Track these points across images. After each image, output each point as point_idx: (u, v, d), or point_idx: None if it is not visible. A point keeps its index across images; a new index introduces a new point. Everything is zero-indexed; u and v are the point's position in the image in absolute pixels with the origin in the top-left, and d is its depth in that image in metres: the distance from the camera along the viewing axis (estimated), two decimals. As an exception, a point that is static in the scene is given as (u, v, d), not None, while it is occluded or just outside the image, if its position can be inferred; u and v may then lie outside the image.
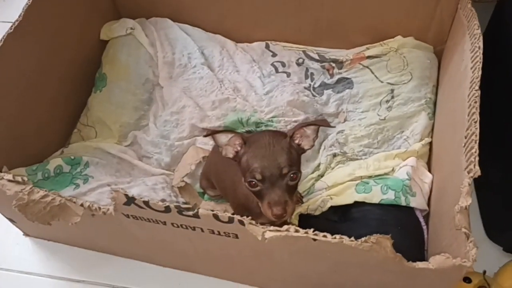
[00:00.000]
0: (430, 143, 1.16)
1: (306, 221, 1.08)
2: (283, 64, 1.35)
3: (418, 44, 1.27)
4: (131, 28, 1.37)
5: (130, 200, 0.76)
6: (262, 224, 0.80)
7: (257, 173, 0.81)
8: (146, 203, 0.75)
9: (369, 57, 1.29)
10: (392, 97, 1.21)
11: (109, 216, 0.80)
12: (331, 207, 1.07)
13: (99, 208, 0.80)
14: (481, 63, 0.90)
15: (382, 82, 1.24)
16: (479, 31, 0.97)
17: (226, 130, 0.85)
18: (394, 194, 1.02)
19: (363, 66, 1.29)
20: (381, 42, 1.30)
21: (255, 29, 1.40)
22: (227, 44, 1.41)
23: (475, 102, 0.84)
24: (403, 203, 1.02)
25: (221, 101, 1.26)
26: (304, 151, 0.88)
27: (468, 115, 0.84)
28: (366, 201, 1.04)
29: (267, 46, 1.40)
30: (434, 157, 1.12)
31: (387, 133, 1.18)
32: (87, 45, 1.36)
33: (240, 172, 0.86)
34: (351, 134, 1.19)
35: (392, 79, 1.24)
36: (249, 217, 0.74)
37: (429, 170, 1.11)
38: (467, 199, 0.73)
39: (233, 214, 0.74)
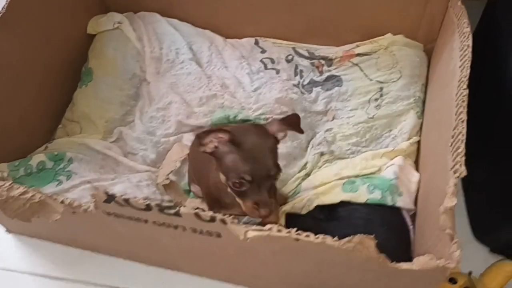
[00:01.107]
0: (419, 142, 1.15)
1: (292, 219, 1.07)
2: (272, 61, 1.34)
3: (408, 42, 1.26)
4: (119, 22, 1.36)
5: (111, 198, 0.75)
6: (233, 215, 0.81)
7: (247, 175, 0.81)
8: (127, 200, 0.74)
9: (358, 54, 1.28)
10: (381, 95, 1.21)
11: (90, 213, 0.79)
12: (318, 206, 1.06)
13: (80, 205, 0.79)
14: (470, 62, 0.89)
15: (371, 80, 1.23)
16: (468, 29, 0.96)
17: (218, 128, 0.84)
18: (380, 193, 1.02)
19: (353, 64, 1.28)
20: (371, 40, 1.29)
21: (245, 25, 1.39)
22: (216, 39, 1.39)
23: (463, 102, 0.84)
24: (390, 203, 1.01)
25: (209, 98, 1.25)
26: (278, 142, 0.88)
27: (456, 114, 0.83)
28: (353, 200, 1.03)
29: (257, 42, 1.39)
30: (422, 157, 1.12)
31: (375, 131, 1.17)
32: (74, 39, 1.34)
33: (217, 168, 0.86)
34: (339, 132, 1.18)
35: (382, 77, 1.23)
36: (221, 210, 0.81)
37: (417, 169, 1.11)
38: (452, 200, 0.72)
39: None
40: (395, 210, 1.02)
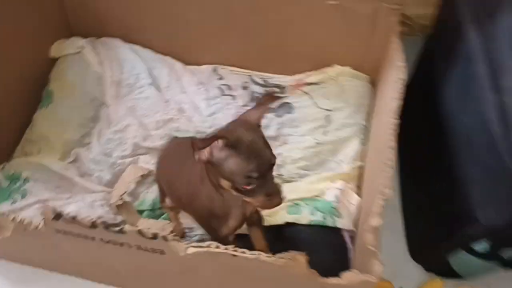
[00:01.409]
0: (363, 167, 1.23)
1: (241, 239, 1.12)
2: (229, 88, 1.40)
3: (355, 73, 1.34)
4: (81, 47, 1.40)
5: (59, 216, 0.78)
6: (234, 227, 0.94)
7: (254, 173, 0.80)
8: (74, 218, 0.77)
9: (309, 83, 1.35)
10: (329, 122, 1.27)
11: (40, 231, 0.81)
12: (265, 227, 1.11)
13: (30, 223, 0.82)
14: (403, 93, 0.97)
15: (320, 108, 1.30)
16: (403, 63, 1.03)
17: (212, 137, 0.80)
18: (322, 215, 1.09)
19: (303, 92, 1.34)
20: (320, 70, 1.36)
21: (204, 53, 1.44)
22: (175, 65, 1.44)
23: (393, 130, 0.91)
24: (330, 224, 1.08)
25: (165, 121, 1.30)
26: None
27: (386, 142, 0.90)
28: (297, 222, 1.09)
29: (215, 70, 1.44)
30: (364, 181, 1.18)
31: (322, 156, 1.23)
32: (37, 61, 1.37)
33: (214, 175, 0.85)
34: (288, 157, 1.24)
35: (329, 106, 1.30)
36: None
37: (361, 193, 1.18)
38: (377, 219, 0.78)
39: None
40: (336, 231, 1.09)
